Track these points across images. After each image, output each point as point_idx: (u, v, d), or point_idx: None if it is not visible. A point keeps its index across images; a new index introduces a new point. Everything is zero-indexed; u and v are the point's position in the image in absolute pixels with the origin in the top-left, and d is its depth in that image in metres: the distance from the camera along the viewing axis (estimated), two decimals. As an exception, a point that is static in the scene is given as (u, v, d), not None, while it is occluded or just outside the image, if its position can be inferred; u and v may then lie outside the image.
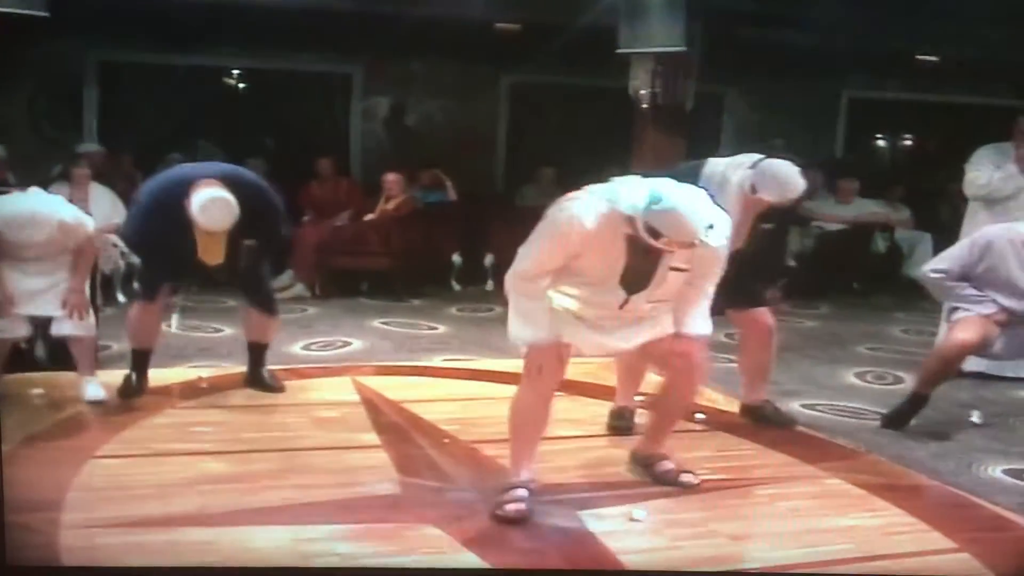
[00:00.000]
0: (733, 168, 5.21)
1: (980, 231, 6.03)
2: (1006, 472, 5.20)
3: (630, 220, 3.92)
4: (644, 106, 8.14)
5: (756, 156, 5.24)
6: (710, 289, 4.36)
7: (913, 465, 5.20)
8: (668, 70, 7.98)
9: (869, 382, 7.01)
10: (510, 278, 4.23)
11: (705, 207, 3.98)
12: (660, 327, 4.37)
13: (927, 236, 11.30)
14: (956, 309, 5.91)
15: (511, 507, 4.08)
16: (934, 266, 5.97)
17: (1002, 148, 7.24)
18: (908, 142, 14.78)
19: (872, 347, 8.24)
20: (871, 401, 6.36)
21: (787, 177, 5.12)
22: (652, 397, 4.85)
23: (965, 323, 5.77)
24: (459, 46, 10.83)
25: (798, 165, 5.20)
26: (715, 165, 5.28)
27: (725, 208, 4.74)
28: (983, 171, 7.20)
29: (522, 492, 4.15)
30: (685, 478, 4.55)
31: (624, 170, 8.58)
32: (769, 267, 5.86)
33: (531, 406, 4.27)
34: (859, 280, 11.49)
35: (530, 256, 4.18)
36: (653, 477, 4.58)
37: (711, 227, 3.97)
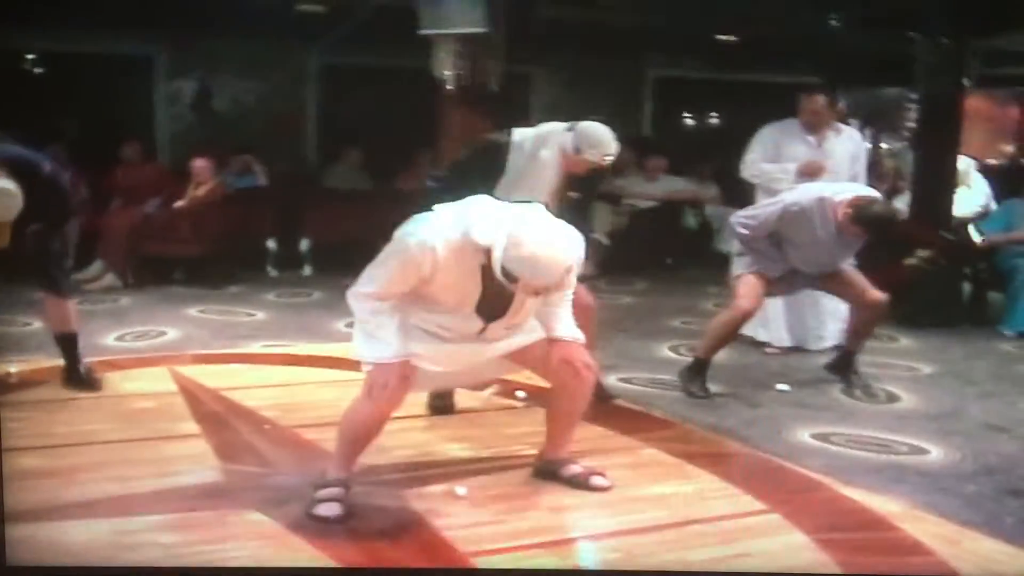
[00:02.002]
0: (543, 137, 5.28)
1: (793, 194, 6.22)
2: (813, 436, 5.41)
3: (485, 252, 3.72)
4: (449, 87, 8.14)
5: (564, 123, 5.30)
6: (570, 293, 4.21)
7: (725, 433, 5.40)
8: (471, 51, 7.97)
9: (683, 355, 7.15)
10: (353, 298, 3.98)
11: (564, 245, 3.75)
12: (525, 335, 4.18)
13: (736, 212, 11.61)
14: (742, 255, 6.19)
15: (323, 509, 3.98)
16: (744, 226, 6.17)
17: (786, 126, 7.38)
18: (713, 120, 15.15)
19: (686, 321, 8.45)
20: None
21: (606, 136, 5.22)
22: (547, 403, 4.51)
23: (747, 288, 6.08)
24: (265, 27, 10.70)
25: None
26: (523, 134, 5.32)
27: (536, 177, 4.88)
28: (752, 159, 7.38)
29: (337, 491, 4.03)
30: (596, 481, 4.38)
31: (435, 152, 8.70)
32: None
33: (367, 422, 4.05)
34: (672, 256, 11.76)
35: (376, 280, 3.93)
36: (563, 482, 4.38)
37: (573, 267, 3.81)
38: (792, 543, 3.91)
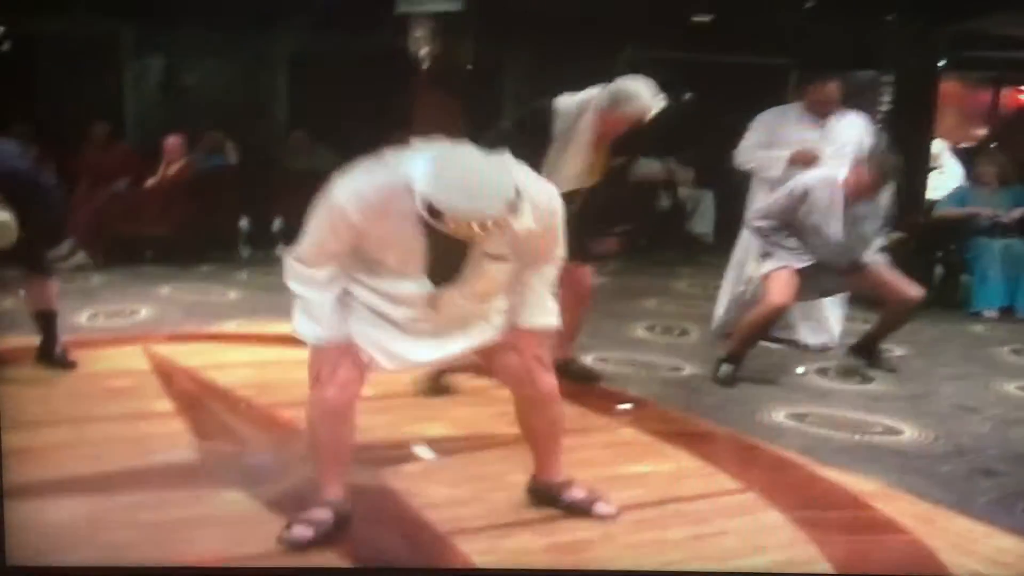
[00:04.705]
0: (585, 102, 5.09)
1: (797, 179, 6.17)
2: (788, 417, 5.42)
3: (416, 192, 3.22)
4: (425, 67, 8.13)
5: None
6: (550, 274, 3.73)
7: (701, 413, 5.40)
8: (446, 31, 7.98)
9: (658, 334, 7.18)
10: (286, 268, 3.58)
11: (500, 177, 3.25)
12: (489, 331, 3.70)
13: (709, 194, 11.63)
14: (767, 255, 6.14)
15: (296, 531, 3.56)
16: (759, 218, 6.17)
17: (785, 112, 7.14)
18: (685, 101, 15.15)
19: (659, 301, 8.47)
20: (660, 353, 6.55)
21: (644, 87, 5.03)
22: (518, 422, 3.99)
23: (779, 283, 6.02)
24: (232, 5, 10.62)
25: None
26: (567, 101, 5.15)
27: (580, 144, 4.77)
28: (748, 146, 7.10)
29: (322, 515, 3.62)
30: (600, 508, 3.88)
31: (404, 134, 8.66)
32: (612, 213, 5.72)
33: (324, 419, 3.63)
34: (645, 236, 11.74)
35: (306, 239, 3.52)
36: (563, 509, 3.89)
37: (514, 201, 3.23)
38: (768, 522, 3.93)
